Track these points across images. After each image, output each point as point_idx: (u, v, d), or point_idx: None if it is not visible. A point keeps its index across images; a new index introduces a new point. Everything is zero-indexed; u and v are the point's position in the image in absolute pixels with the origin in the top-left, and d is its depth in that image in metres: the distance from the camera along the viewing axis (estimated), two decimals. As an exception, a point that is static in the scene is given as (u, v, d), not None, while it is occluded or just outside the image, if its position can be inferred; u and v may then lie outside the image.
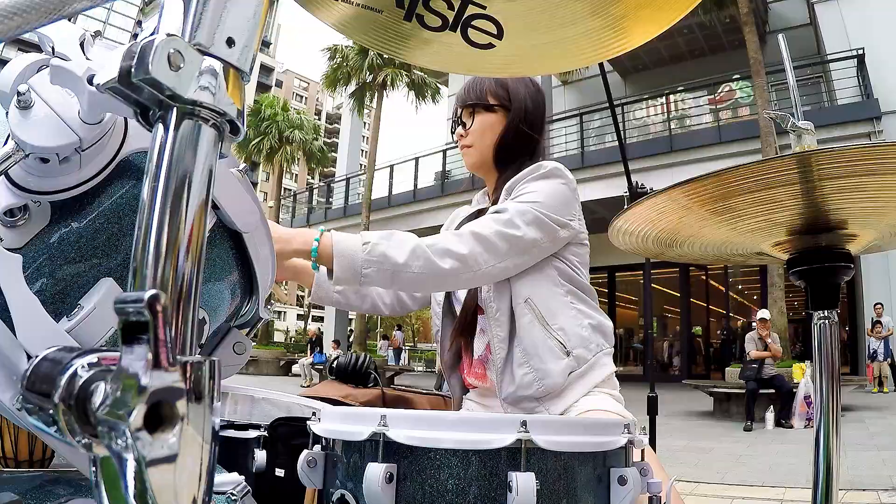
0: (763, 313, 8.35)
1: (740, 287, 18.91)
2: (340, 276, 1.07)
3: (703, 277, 17.05)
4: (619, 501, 0.69)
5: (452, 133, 1.43)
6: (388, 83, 19.87)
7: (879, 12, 11.42)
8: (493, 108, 1.35)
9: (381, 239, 1.10)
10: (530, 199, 1.21)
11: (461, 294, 1.37)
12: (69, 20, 0.42)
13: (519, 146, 1.35)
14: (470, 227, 1.16)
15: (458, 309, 1.37)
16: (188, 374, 0.30)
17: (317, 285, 1.41)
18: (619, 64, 16.66)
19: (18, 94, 0.52)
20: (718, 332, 16.57)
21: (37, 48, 0.56)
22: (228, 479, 0.77)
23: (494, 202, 1.32)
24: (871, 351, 10.31)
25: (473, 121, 1.36)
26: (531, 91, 1.37)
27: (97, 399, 0.30)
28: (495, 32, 0.67)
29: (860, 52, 11.59)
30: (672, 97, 14.36)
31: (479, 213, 1.42)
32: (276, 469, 1.06)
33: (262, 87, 58.93)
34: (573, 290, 1.28)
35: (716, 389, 8.51)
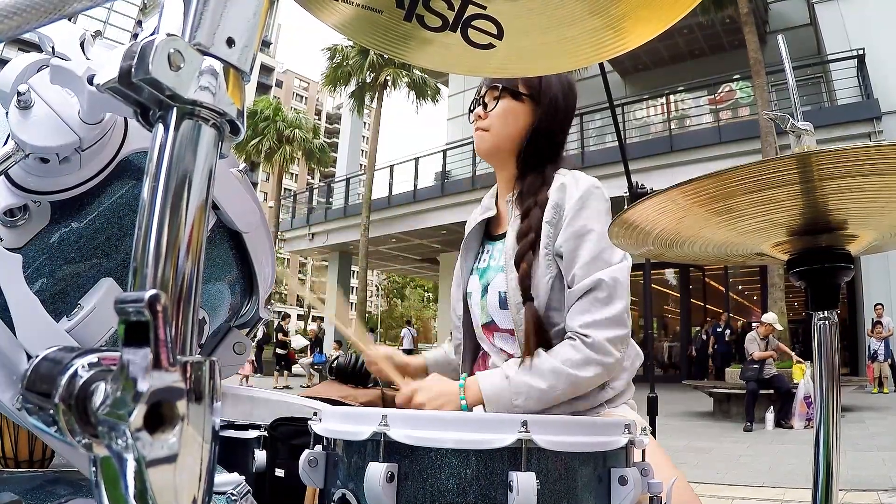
0: (769, 317, 8.29)
1: (740, 287, 18.91)
2: (493, 411, 1.14)
3: (703, 277, 17.05)
4: (619, 501, 0.69)
5: (471, 112, 1.34)
6: (389, 83, 19.88)
7: (879, 12, 11.41)
8: (522, 96, 1.27)
9: (523, 372, 1.14)
10: (607, 258, 1.17)
11: (476, 309, 1.32)
12: (69, 20, 0.42)
13: (544, 146, 1.28)
14: (598, 328, 1.13)
15: (474, 323, 1.33)
16: (188, 374, 0.30)
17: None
18: (619, 64, 16.66)
19: (18, 93, 0.52)
20: (695, 334, 16.19)
21: (37, 48, 0.56)
22: (228, 480, 0.77)
23: (523, 206, 1.24)
24: (872, 351, 10.30)
25: (497, 104, 1.27)
26: (564, 87, 1.29)
27: (97, 399, 0.30)
28: (495, 32, 0.67)
29: (860, 52, 11.58)
30: (672, 97, 14.35)
31: (490, 220, 1.36)
32: (277, 469, 1.06)
33: (263, 87, 58.93)
34: None
35: (716, 390, 8.51)
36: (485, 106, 1.30)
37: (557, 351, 1.15)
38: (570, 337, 1.15)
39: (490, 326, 1.29)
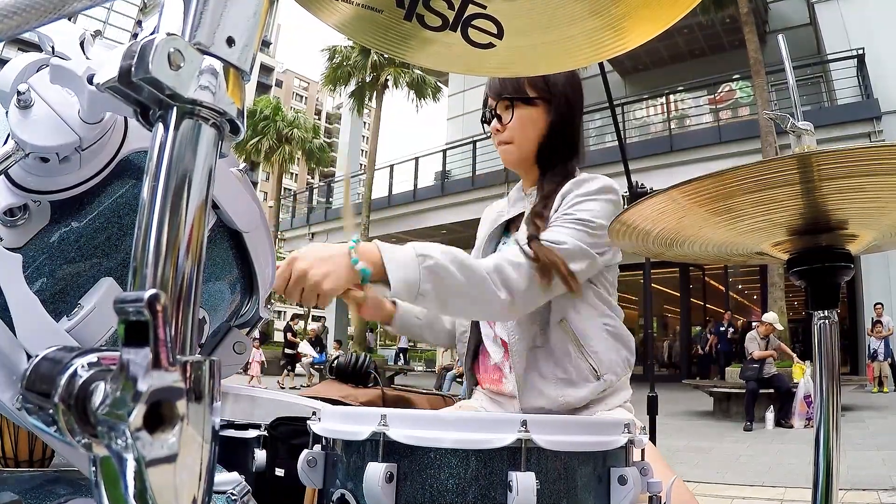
0: (770, 317, 8.30)
1: (740, 287, 18.91)
2: (398, 291, 1.00)
3: (703, 277, 17.05)
4: (619, 501, 0.69)
5: (486, 123, 1.33)
6: (389, 83, 19.88)
7: (879, 12, 11.41)
8: (534, 100, 1.26)
9: (440, 254, 1.03)
10: (581, 220, 1.16)
11: None
12: (69, 19, 0.42)
13: (561, 142, 1.29)
14: (529, 255, 1.10)
15: None
16: (188, 374, 0.30)
17: (399, 318, 1.38)
18: (619, 64, 16.66)
19: (18, 93, 0.52)
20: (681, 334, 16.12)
21: (37, 48, 0.56)
22: (228, 479, 0.77)
23: (544, 204, 1.24)
24: (872, 351, 10.30)
25: (512, 115, 1.26)
26: (570, 79, 1.29)
27: (97, 399, 0.30)
28: (495, 32, 0.67)
29: (860, 52, 11.58)
30: (672, 97, 14.35)
31: (520, 217, 1.35)
32: (276, 469, 1.06)
33: (262, 87, 58.88)
34: (607, 313, 1.26)
35: (716, 389, 8.51)
36: (499, 118, 1.29)
37: (498, 258, 1.11)
38: (521, 247, 1.13)
39: None
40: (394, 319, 1.37)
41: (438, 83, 20.56)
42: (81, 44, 0.53)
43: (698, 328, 16.05)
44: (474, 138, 15.67)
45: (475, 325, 1.37)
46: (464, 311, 1.18)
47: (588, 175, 1.28)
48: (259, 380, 12.83)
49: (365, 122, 25.67)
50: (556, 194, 1.24)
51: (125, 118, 0.59)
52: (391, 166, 19.39)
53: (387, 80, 19.73)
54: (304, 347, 15.11)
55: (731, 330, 14.01)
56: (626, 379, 1.28)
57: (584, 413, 1.21)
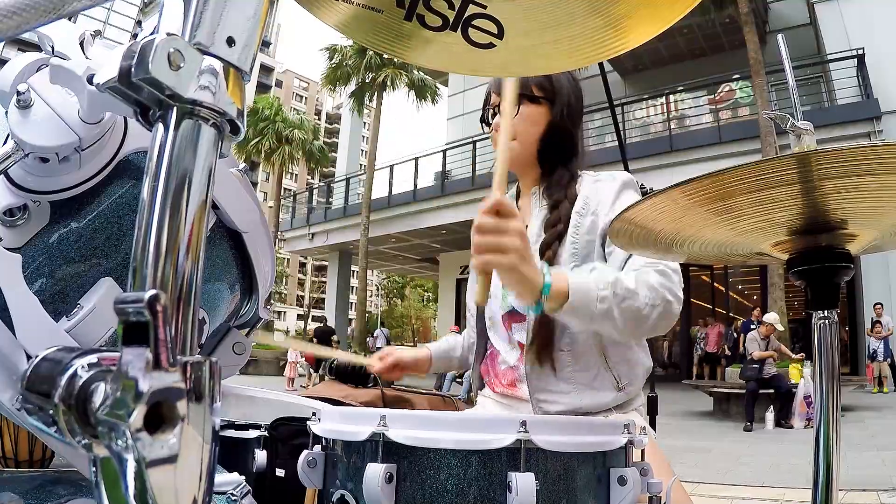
0: (771, 317, 8.31)
1: (740, 287, 18.90)
2: (576, 313, 1.01)
3: (704, 277, 17.04)
4: (619, 501, 0.69)
5: (486, 123, 1.34)
6: (388, 83, 19.88)
7: (879, 12, 11.41)
8: (538, 99, 1.28)
9: (612, 295, 1.02)
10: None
11: (496, 299, 1.30)
12: (69, 19, 0.42)
13: (562, 142, 1.30)
14: (654, 269, 1.08)
15: (488, 321, 1.33)
16: (188, 375, 0.30)
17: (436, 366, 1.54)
18: (619, 64, 16.64)
19: (18, 93, 0.52)
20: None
21: (37, 48, 0.56)
22: (229, 479, 0.77)
23: (552, 198, 1.25)
24: (871, 351, 10.30)
25: (517, 112, 1.26)
26: (572, 84, 1.32)
27: (97, 399, 0.30)
28: (496, 32, 0.67)
29: (860, 52, 11.58)
30: (672, 97, 14.34)
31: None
32: (277, 469, 1.06)
33: (262, 87, 58.85)
34: None
35: (716, 389, 8.52)
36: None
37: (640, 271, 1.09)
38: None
39: (511, 315, 1.28)
40: (431, 369, 1.54)
41: (437, 84, 20.56)
42: (81, 44, 0.53)
43: (729, 327, 15.70)
44: (474, 138, 15.67)
45: (482, 331, 1.36)
46: (636, 328, 1.09)
47: (601, 173, 1.29)
48: (311, 379, 12.98)
49: (365, 123, 25.65)
50: (565, 201, 1.25)
51: (125, 118, 0.59)
52: (391, 166, 19.37)
53: (385, 80, 19.71)
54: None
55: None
56: (640, 387, 1.29)
57: (600, 413, 1.20)
